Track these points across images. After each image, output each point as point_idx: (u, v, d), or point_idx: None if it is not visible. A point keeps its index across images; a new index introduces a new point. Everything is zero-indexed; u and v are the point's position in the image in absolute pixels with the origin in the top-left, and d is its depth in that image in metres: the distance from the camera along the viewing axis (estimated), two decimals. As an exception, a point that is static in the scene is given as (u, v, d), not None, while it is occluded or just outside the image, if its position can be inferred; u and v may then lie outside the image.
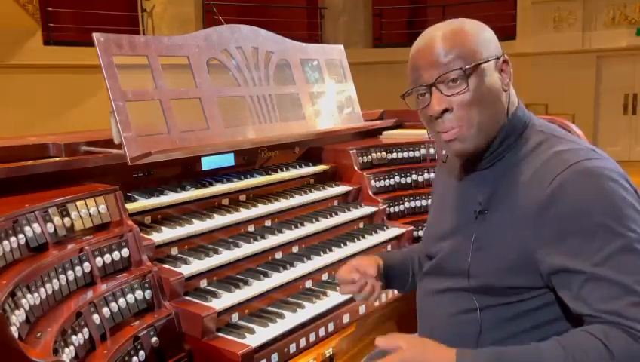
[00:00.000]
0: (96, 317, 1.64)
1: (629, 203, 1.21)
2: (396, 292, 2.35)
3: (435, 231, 1.54)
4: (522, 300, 1.30)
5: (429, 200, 2.93)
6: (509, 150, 1.37)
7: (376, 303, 2.27)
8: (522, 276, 1.29)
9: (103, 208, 1.83)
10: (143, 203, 2.06)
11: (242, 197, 2.43)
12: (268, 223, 2.39)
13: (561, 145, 1.31)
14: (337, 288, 2.18)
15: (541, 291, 1.29)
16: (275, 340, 1.87)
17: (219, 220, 2.19)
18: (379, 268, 1.64)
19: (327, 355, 2.05)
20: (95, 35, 1.97)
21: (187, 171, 2.35)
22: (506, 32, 11.45)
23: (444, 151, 1.63)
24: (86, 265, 1.71)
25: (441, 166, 1.65)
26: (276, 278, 2.09)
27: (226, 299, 1.90)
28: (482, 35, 1.37)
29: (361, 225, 2.71)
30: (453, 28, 1.36)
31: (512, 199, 1.32)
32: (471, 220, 1.39)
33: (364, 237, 2.56)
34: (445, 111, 1.34)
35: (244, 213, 2.28)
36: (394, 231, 2.68)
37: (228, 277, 2.06)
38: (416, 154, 3.09)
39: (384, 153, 3.01)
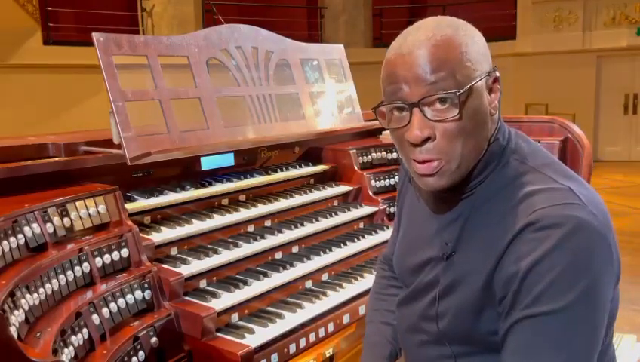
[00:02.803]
0: (95, 318, 1.64)
1: (587, 262, 1.04)
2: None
3: (408, 262, 1.40)
4: (496, 349, 1.15)
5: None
6: (484, 181, 1.20)
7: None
8: (488, 329, 1.17)
9: (102, 208, 1.83)
10: (142, 203, 2.06)
11: (242, 197, 2.42)
12: (268, 223, 2.39)
13: (535, 183, 1.13)
14: (337, 289, 2.18)
15: None
16: (274, 340, 1.86)
17: (218, 220, 2.18)
18: None
19: (327, 355, 2.05)
20: (95, 35, 1.97)
21: (187, 171, 2.34)
22: (506, 32, 11.47)
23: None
24: (85, 265, 1.71)
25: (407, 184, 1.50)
26: (276, 278, 2.08)
27: (225, 299, 1.90)
28: (477, 47, 1.16)
29: (361, 225, 2.71)
30: (445, 37, 1.13)
31: (476, 242, 1.18)
32: (439, 258, 1.27)
33: (364, 237, 2.56)
34: (427, 139, 1.13)
35: (243, 213, 2.28)
36: (394, 231, 2.67)
37: (228, 277, 2.06)
38: (417, 154, 3.08)
39: (384, 153, 3.01)
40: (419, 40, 1.13)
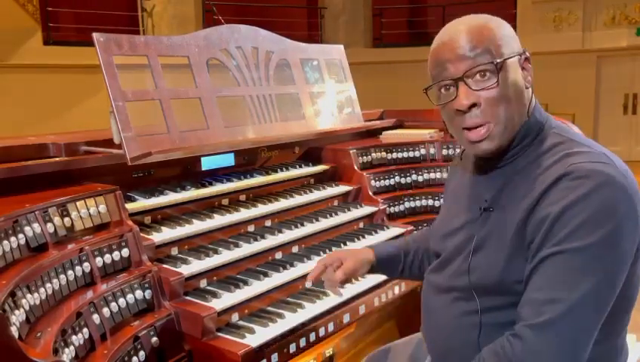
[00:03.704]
0: (96, 317, 1.64)
1: (612, 211, 1.17)
2: (396, 291, 2.35)
3: (443, 229, 1.54)
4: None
5: (430, 201, 2.95)
6: (524, 151, 1.36)
7: (377, 303, 2.26)
8: (516, 278, 1.28)
9: (102, 208, 1.83)
10: (142, 203, 2.06)
11: (242, 197, 2.43)
12: (268, 223, 2.39)
13: (573, 148, 1.28)
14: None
15: None
16: (274, 340, 1.86)
17: (219, 220, 2.18)
18: (369, 263, 1.74)
19: (327, 355, 2.05)
20: (95, 35, 1.97)
21: (187, 171, 2.35)
22: (506, 32, 11.43)
23: (457, 151, 1.63)
24: (86, 265, 1.71)
25: (456, 164, 1.65)
26: (276, 278, 2.09)
27: (226, 299, 1.90)
28: (506, 31, 1.36)
29: (361, 225, 2.71)
30: (478, 23, 1.35)
31: (514, 199, 1.31)
32: (476, 217, 1.40)
33: (364, 237, 2.56)
34: (473, 106, 1.32)
35: (244, 213, 2.28)
36: (394, 231, 2.68)
37: (228, 277, 2.06)
38: (416, 154, 3.09)
39: (384, 153, 3.01)
40: (456, 29, 1.36)
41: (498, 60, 1.30)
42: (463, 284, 1.39)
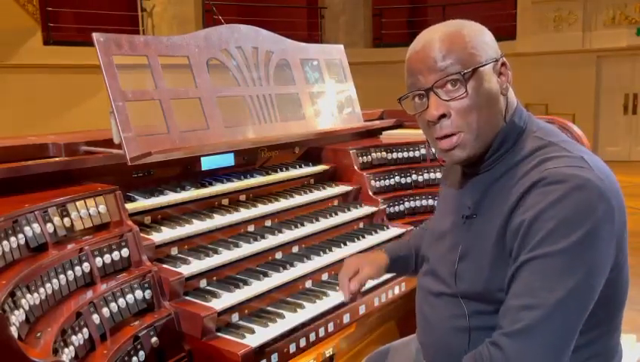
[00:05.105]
0: (96, 317, 1.64)
1: (587, 214, 1.15)
2: (396, 292, 2.35)
3: (432, 234, 1.55)
4: None
5: (430, 201, 2.95)
6: (503, 157, 1.35)
7: (377, 303, 2.27)
8: (500, 287, 1.27)
9: (102, 208, 1.83)
10: (142, 203, 2.06)
11: (242, 197, 2.43)
12: (268, 223, 2.39)
13: (552, 153, 1.27)
14: (337, 288, 2.18)
15: None
16: (275, 340, 1.86)
17: (219, 220, 2.18)
18: (385, 266, 1.76)
19: (327, 355, 2.05)
20: (95, 35, 1.97)
21: (187, 171, 2.35)
22: (506, 32, 11.47)
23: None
24: (86, 265, 1.71)
25: (447, 168, 1.65)
26: (276, 278, 2.09)
27: (226, 299, 1.90)
28: (480, 38, 1.34)
29: (361, 225, 2.71)
30: (450, 30, 1.33)
31: (495, 206, 1.31)
32: (460, 225, 1.40)
33: (364, 237, 2.56)
34: (443, 116, 1.32)
35: (244, 213, 2.28)
36: (394, 231, 2.68)
37: (228, 277, 2.06)
38: (416, 154, 3.09)
39: (384, 153, 3.01)
40: (429, 37, 1.34)
41: (466, 71, 1.28)
42: (450, 290, 1.39)
